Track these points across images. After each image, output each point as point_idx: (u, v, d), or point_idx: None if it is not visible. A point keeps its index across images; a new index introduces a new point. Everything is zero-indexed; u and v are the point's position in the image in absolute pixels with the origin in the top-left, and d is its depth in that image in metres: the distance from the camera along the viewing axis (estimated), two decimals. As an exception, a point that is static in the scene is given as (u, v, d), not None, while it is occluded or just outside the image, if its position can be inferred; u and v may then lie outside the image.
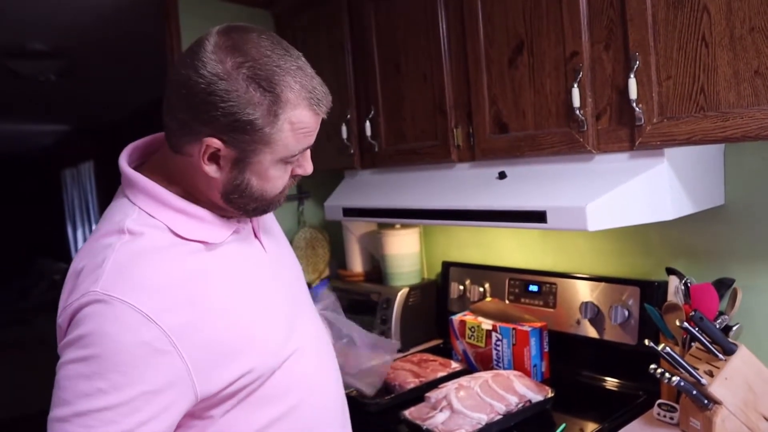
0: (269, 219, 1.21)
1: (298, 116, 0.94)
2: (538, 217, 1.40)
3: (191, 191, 1.00)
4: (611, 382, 1.77)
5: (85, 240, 8.12)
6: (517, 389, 1.58)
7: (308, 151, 1.03)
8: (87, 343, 0.86)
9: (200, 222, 0.99)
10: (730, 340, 1.38)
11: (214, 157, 0.94)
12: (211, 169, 0.95)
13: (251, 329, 0.99)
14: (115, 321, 0.86)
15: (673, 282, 1.58)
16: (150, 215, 0.97)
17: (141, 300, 0.88)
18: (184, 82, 0.91)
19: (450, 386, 1.58)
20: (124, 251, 0.92)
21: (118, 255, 0.91)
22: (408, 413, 1.56)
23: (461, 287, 2.21)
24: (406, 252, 2.30)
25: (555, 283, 1.91)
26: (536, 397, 1.58)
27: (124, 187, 1.02)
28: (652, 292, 1.67)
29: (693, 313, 1.35)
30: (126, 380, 0.86)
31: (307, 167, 1.04)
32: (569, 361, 1.86)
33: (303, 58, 0.98)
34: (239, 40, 0.92)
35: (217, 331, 0.94)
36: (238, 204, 1.00)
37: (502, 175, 1.63)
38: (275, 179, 0.99)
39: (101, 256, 0.92)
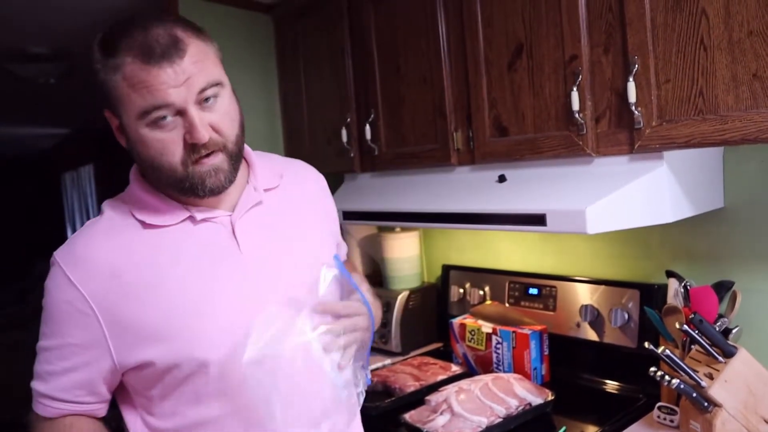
0: (280, 218, 1.15)
1: (130, 70, 0.94)
2: (538, 220, 1.41)
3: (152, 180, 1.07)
4: (611, 385, 1.78)
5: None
6: (517, 392, 1.58)
7: (193, 117, 0.96)
8: (43, 294, 1.03)
9: (149, 206, 1.06)
10: (729, 342, 1.38)
11: (118, 130, 1.03)
12: (121, 140, 1.04)
13: (177, 318, 1.00)
14: (51, 279, 1.02)
15: (673, 285, 1.59)
16: (123, 201, 1.08)
17: (69, 266, 1.01)
18: None
19: (450, 389, 1.58)
20: (86, 226, 1.07)
21: (81, 229, 1.07)
22: (408, 416, 1.56)
23: (461, 290, 2.21)
24: (406, 255, 2.30)
25: (555, 286, 1.91)
26: (536, 400, 1.58)
27: None
28: (651, 294, 1.68)
29: (693, 315, 1.35)
30: (57, 329, 1.02)
31: (194, 133, 0.96)
32: (569, 364, 1.86)
33: (164, 19, 0.99)
34: (110, 31, 1.00)
35: (138, 308, 1.00)
36: (154, 177, 1.04)
37: (501, 179, 1.63)
38: (155, 143, 0.97)
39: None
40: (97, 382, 1.05)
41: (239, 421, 1.03)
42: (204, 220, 1.06)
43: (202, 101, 0.98)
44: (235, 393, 1.02)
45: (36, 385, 1.06)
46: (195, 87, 0.96)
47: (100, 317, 1.00)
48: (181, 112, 0.96)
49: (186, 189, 1.02)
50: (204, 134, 0.96)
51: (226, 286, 1.04)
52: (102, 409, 1.09)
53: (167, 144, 0.97)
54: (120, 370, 1.03)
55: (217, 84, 1.00)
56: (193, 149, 0.98)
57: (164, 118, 0.95)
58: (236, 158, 1.05)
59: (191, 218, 1.05)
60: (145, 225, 1.04)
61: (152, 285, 1.01)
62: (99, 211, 1.10)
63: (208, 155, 0.99)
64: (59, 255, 1.03)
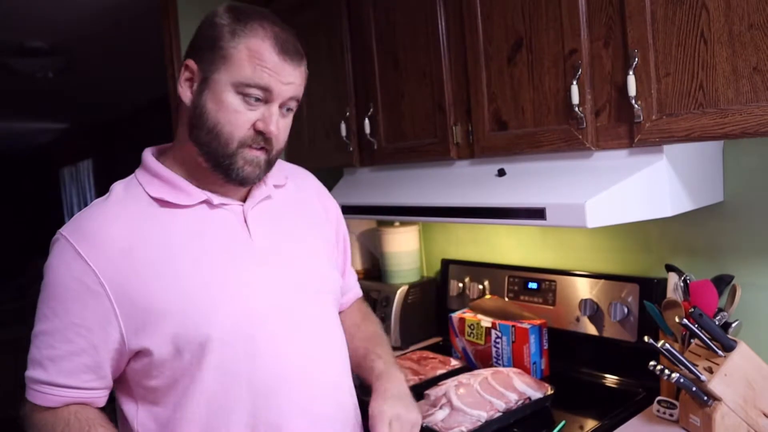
0: (287, 216, 1.20)
1: (258, 46, 1.02)
2: (538, 213, 1.40)
3: (178, 153, 1.10)
4: (610, 379, 1.78)
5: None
6: (516, 386, 1.58)
7: (274, 112, 1.06)
8: (44, 274, 1.02)
9: (168, 185, 1.07)
10: (729, 336, 1.38)
11: (189, 82, 1.06)
12: (185, 92, 1.05)
13: (188, 297, 1.02)
14: (57, 256, 1.01)
15: (673, 279, 1.59)
16: (138, 181, 1.09)
17: (79, 241, 1.00)
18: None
19: (450, 384, 1.58)
20: (93, 204, 1.07)
21: (87, 208, 1.07)
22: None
23: (460, 285, 2.21)
24: (406, 250, 2.30)
25: (554, 281, 1.91)
26: (536, 394, 1.58)
27: None
28: (651, 289, 1.68)
29: (692, 309, 1.35)
30: (62, 309, 0.99)
31: (269, 124, 1.05)
32: (569, 358, 1.86)
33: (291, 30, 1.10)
34: (242, 6, 1.08)
35: (150, 286, 1.00)
36: (200, 141, 1.05)
37: (501, 173, 1.63)
38: (232, 110, 1.03)
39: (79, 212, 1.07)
40: (104, 366, 1.03)
41: (243, 407, 1.05)
42: (220, 205, 1.10)
43: (284, 107, 1.08)
44: (234, 375, 1.04)
45: (34, 373, 1.02)
46: (290, 93, 1.07)
47: (111, 294, 0.99)
48: (268, 102, 1.04)
49: (222, 166, 1.05)
50: (274, 129, 1.05)
51: (236, 270, 1.07)
52: (104, 398, 1.07)
53: (240, 117, 1.03)
54: (128, 352, 1.02)
55: (298, 103, 1.11)
56: (254, 137, 1.05)
57: (256, 98, 1.03)
58: (271, 165, 1.12)
59: (208, 202, 1.09)
60: (161, 203, 1.06)
61: (165, 263, 1.02)
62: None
63: (260, 148, 1.07)
64: (66, 231, 1.02)
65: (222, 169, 1.06)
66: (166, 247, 1.03)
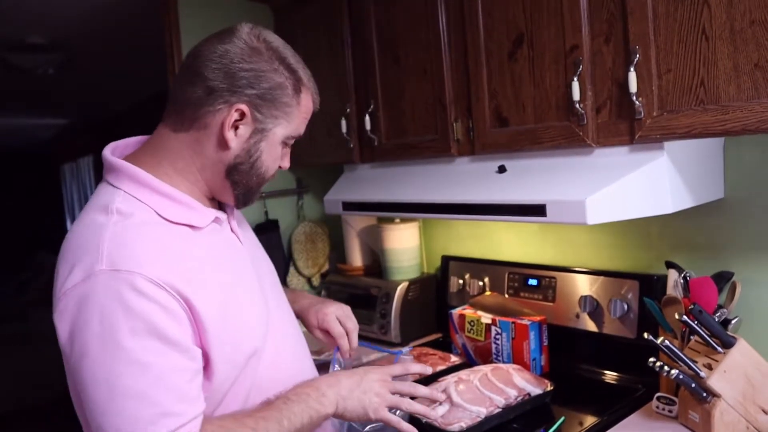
0: (242, 218, 1.28)
1: (307, 101, 1.11)
2: (538, 210, 1.40)
3: (183, 173, 1.06)
4: (610, 376, 1.78)
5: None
6: (516, 383, 1.58)
7: (289, 150, 1.16)
8: (106, 324, 0.88)
9: (185, 207, 1.04)
10: (728, 333, 1.38)
11: (235, 125, 1.03)
12: (231, 136, 1.02)
13: (230, 311, 1.04)
14: (131, 290, 0.89)
15: (672, 275, 1.59)
16: (135, 198, 1.01)
17: (147, 268, 0.91)
18: (223, 54, 1.01)
19: (449, 380, 1.58)
20: (119, 228, 0.95)
21: (114, 232, 0.94)
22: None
23: (461, 281, 2.21)
24: (406, 246, 2.30)
25: (554, 277, 1.91)
26: (535, 390, 1.58)
27: (106, 174, 1.06)
28: (651, 285, 1.68)
29: (692, 306, 1.35)
30: (158, 342, 0.90)
31: (287, 161, 1.16)
32: (568, 354, 1.86)
33: None
34: (265, 31, 1.08)
35: (210, 308, 0.99)
36: (237, 180, 1.08)
37: (501, 169, 1.63)
38: (277, 157, 1.11)
39: (95, 237, 0.94)
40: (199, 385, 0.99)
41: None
42: (219, 219, 1.12)
43: None
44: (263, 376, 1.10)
45: (172, 422, 0.90)
46: None
47: (189, 315, 0.96)
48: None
49: (247, 196, 1.13)
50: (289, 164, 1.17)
51: (249, 274, 1.14)
52: None
53: (277, 162, 1.13)
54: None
55: None
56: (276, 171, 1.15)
57: (290, 144, 1.14)
58: None
59: (216, 219, 1.11)
60: (179, 225, 1.03)
61: (217, 285, 1.03)
62: (98, 209, 1.00)
63: None
64: (123, 264, 0.90)
65: (245, 199, 1.13)
66: (205, 266, 1.02)
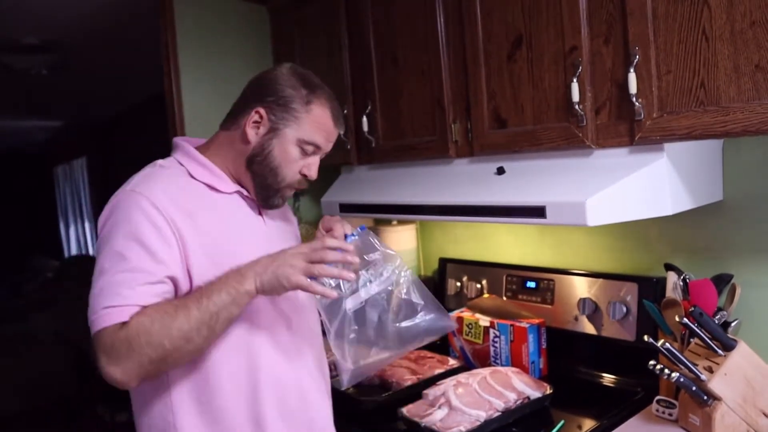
0: (281, 219, 1.44)
1: (321, 114, 1.30)
2: (538, 212, 1.40)
3: (222, 158, 1.32)
4: (609, 379, 1.77)
5: (77, 237, 7.98)
6: (515, 386, 1.57)
7: (318, 159, 1.35)
8: (117, 222, 1.17)
9: (210, 172, 1.30)
10: (729, 335, 1.38)
11: (256, 124, 1.28)
12: (251, 132, 1.28)
13: (229, 261, 1.19)
14: (135, 205, 1.17)
15: (672, 278, 1.58)
16: (177, 161, 1.31)
17: (155, 197, 1.18)
18: (262, 77, 1.34)
19: (448, 383, 1.57)
20: (151, 171, 1.28)
21: (146, 172, 1.28)
22: (406, 410, 1.55)
23: (458, 284, 2.20)
24: (403, 248, 2.29)
25: (553, 280, 1.90)
26: (535, 393, 1.57)
27: (171, 152, 1.36)
28: (650, 288, 1.67)
29: (693, 309, 1.34)
30: (137, 248, 1.14)
31: (313, 171, 1.34)
32: (567, 357, 1.85)
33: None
34: (306, 73, 1.34)
35: (206, 249, 1.20)
36: (256, 171, 1.30)
37: (500, 171, 1.62)
38: (290, 159, 1.30)
39: (136, 176, 1.27)
40: (170, 296, 1.18)
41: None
42: (247, 197, 1.33)
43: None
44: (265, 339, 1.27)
45: (113, 300, 1.12)
46: (329, 148, 1.36)
47: (179, 241, 1.17)
48: (315, 153, 1.33)
49: (265, 194, 1.32)
50: (315, 175, 1.35)
51: (261, 248, 1.24)
52: None
53: (294, 165, 1.31)
54: (184, 291, 1.19)
55: None
56: (299, 180, 1.34)
57: (310, 152, 1.31)
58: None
59: (239, 192, 1.32)
60: (208, 186, 1.28)
61: (217, 233, 1.23)
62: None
63: (294, 190, 1.36)
64: (138, 188, 1.20)
65: (262, 195, 1.32)
66: (217, 221, 1.25)
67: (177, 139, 1.38)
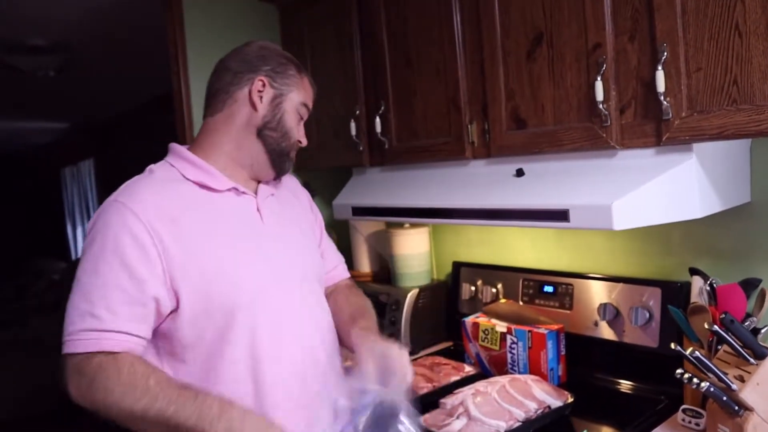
0: (287, 210, 1.42)
1: (308, 82, 1.39)
2: (561, 215, 1.35)
3: (218, 145, 1.31)
4: (630, 386, 1.72)
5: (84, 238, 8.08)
6: (536, 395, 1.52)
7: (303, 125, 1.40)
8: (97, 234, 1.15)
9: (203, 171, 1.27)
10: (761, 343, 1.32)
11: (260, 93, 1.30)
12: (257, 100, 1.29)
13: (223, 268, 1.20)
14: (116, 215, 1.15)
15: (697, 282, 1.53)
16: (170, 164, 1.29)
17: (136, 205, 1.16)
18: (239, 51, 1.35)
19: (466, 392, 1.52)
20: (139, 178, 1.25)
21: (134, 180, 1.25)
22: (423, 420, 1.50)
23: (473, 288, 2.15)
24: (416, 252, 2.24)
25: (571, 284, 1.85)
26: (555, 402, 1.52)
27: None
28: (674, 293, 1.62)
29: (724, 315, 1.29)
30: (117, 262, 1.12)
31: (304, 137, 1.40)
32: (586, 364, 1.80)
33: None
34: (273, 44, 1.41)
35: (192, 254, 1.17)
36: (269, 137, 1.31)
37: (519, 173, 1.57)
38: (295, 120, 1.35)
39: (124, 185, 1.24)
40: (149, 316, 1.15)
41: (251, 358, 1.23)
42: (243, 193, 1.31)
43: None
44: (253, 341, 1.22)
45: (87, 323, 1.10)
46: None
47: (161, 252, 1.15)
48: (302, 121, 1.39)
49: (281, 159, 1.34)
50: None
51: (257, 249, 1.28)
52: (142, 347, 1.17)
53: (297, 127, 1.37)
54: (168, 308, 1.16)
55: None
56: (297, 145, 1.39)
57: (304, 116, 1.39)
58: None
59: (235, 189, 1.29)
60: (198, 185, 1.26)
61: (203, 236, 1.20)
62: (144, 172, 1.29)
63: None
64: (122, 198, 1.18)
65: (278, 162, 1.34)
66: (204, 222, 1.22)
67: (171, 145, 1.36)
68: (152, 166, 1.30)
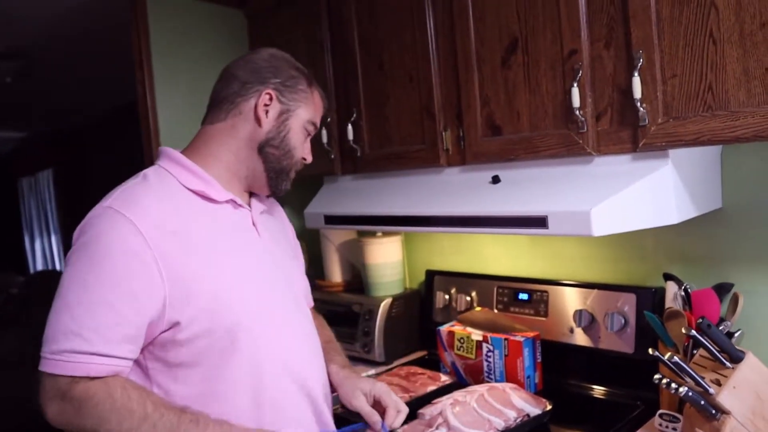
0: (275, 225, 1.39)
1: (319, 96, 1.33)
2: (539, 222, 1.34)
3: (217, 155, 1.24)
4: (606, 392, 1.72)
5: (43, 251, 7.74)
6: (514, 403, 1.51)
7: (310, 141, 1.33)
8: (87, 243, 1.06)
9: (202, 180, 1.20)
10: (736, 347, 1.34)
11: (266, 107, 1.24)
12: (262, 115, 1.23)
13: (223, 282, 1.14)
14: (111, 226, 1.06)
15: (672, 288, 1.54)
16: (165, 169, 1.20)
17: (136, 215, 1.07)
18: (248, 60, 1.28)
19: (445, 402, 1.50)
20: (134, 183, 1.16)
21: (128, 185, 1.16)
22: (401, 431, 1.47)
23: (447, 296, 2.13)
24: (389, 261, 2.22)
25: (546, 291, 1.85)
26: (534, 410, 1.51)
27: (154, 159, 1.27)
28: (648, 298, 1.63)
29: (701, 320, 1.29)
30: (108, 279, 1.03)
31: (309, 154, 1.34)
32: (561, 371, 1.80)
33: None
34: (290, 57, 1.33)
35: (193, 267, 1.10)
36: (270, 155, 1.25)
37: (495, 180, 1.56)
38: (301, 138, 1.29)
39: (119, 188, 1.15)
40: (140, 338, 1.07)
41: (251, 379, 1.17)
42: (241, 205, 1.25)
43: None
44: (253, 353, 1.16)
45: (71, 344, 1.01)
46: None
47: (161, 266, 1.06)
48: (310, 137, 1.33)
49: (279, 178, 1.28)
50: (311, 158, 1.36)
51: (256, 264, 1.24)
52: (129, 369, 1.09)
53: (302, 145, 1.31)
54: (164, 324, 1.08)
55: None
56: (301, 163, 1.33)
57: (311, 133, 1.32)
58: None
59: (233, 201, 1.24)
60: (199, 195, 1.19)
61: (205, 249, 1.13)
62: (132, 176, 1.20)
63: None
64: (117, 205, 1.08)
65: (276, 181, 1.28)
66: (206, 236, 1.15)
67: (162, 148, 1.29)
68: (146, 171, 1.21)
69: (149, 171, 1.21)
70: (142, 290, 1.05)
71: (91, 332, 1.02)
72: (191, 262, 1.10)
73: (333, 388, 1.36)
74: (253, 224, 1.28)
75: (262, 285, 1.23)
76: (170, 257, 1.07)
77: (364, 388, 1.33)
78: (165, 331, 1.09)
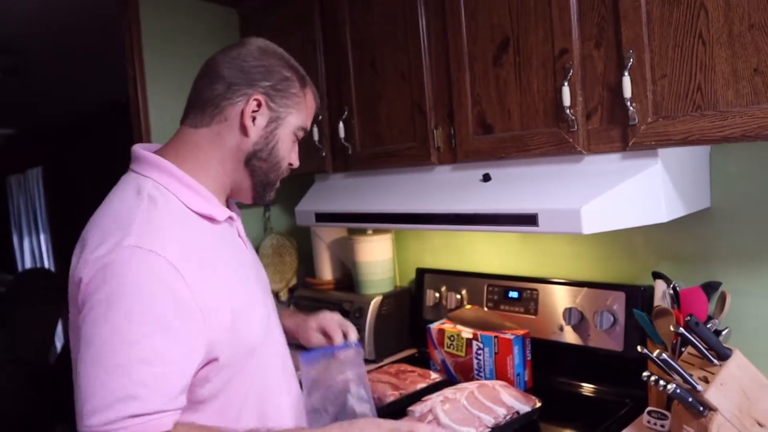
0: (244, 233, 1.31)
1: (312, 98, 1.22)
2: (529, 220, 1.35)
3: (204, 166, 1.13)
4: (595, 390, 1.73)
5: (32, 250, 7.68)
6: (504, 400, 1.51)
7: (297, 145, 1.24)
8: (113, 291, 0.93)
9: (205, 199, 1.11)
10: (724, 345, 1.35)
11: (254, 114, 1.12)
12: (249, 124, 1.12)
13: (239, 308, 1.08)
14: (149, 270, 0.94)
15: (660, 286, 1.55)
16: (163, 186, 1.07)
17: (167, 250, 0.97)
18: (236, 56, 1.14)
19: (435, 399, 1.50)
20: (149, 210, 1.02)
21: (144, 214, 1.01)
22: None
23: (437, 294, 2.14)
24: (379, 259, 2.22)
25: (536, 289, 1.86)
26: (524, 408, 1.52)
27: (133, 165, 1.12)
28: (637, 296, 1.64)
29: (689, 317, 1.31)
30: (159, 331, 0.94)
31: (296, 158, 1.23)
32: (551, 368, 1.80)
33: None
34: (270, 42, 1.20)
35: (213, 295, 1.02)
36: (255, 168, 1.15)
37: (486, 178, 1.57)
38: (290, 146, 1.20)
39: (128, 216, 1.01)
40: (189, 381, 1.00)
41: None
42: (232, 219, 1.18)
43: None
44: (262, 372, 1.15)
45: (129, 409, 0.90)
46: None
47: (200, 307, 0.99)
48: (298, 141, 1.23)
49: (265, 190, 1.20)
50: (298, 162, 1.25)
51: (256, 282, 1.21)
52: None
53: (290, 153, 1.21)
54: (203, 364, 1.02)
55: None
56: (288, 170, 1.23)
57: (300, 138, 1.22)
58: None
59: (230, 218, 1.17)
60: (203, 217, 1.10)
61: (223, 278, 1.07)
62: (129, 194, 1.07)
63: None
64: (147, 242, 0.96)
65: (261, 193, 1.20)
66: (218, 262, 1.08)
67: (140, 150, 1.13)
68: (146, 189, 1.06)
69: (150, 190, 1.06)
70: (191, 332, 0.98)
71: (145, 389, 0.92)
72: (213, 291, 1.03)
73: (292, 337, 1.41)
74: (239, 236, 1.22)
75: (261, 305, 1.19)
76: (201, 290, 1.00)
77: (314, 326, 1.40)
78: (201, 368, 1.03)
